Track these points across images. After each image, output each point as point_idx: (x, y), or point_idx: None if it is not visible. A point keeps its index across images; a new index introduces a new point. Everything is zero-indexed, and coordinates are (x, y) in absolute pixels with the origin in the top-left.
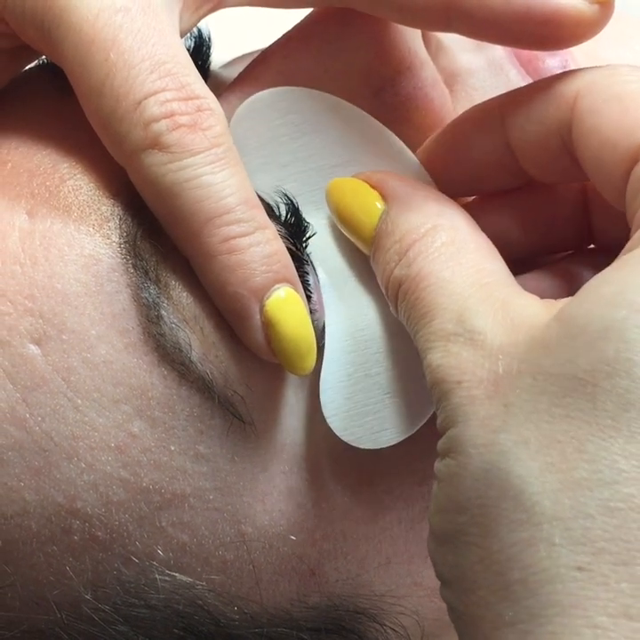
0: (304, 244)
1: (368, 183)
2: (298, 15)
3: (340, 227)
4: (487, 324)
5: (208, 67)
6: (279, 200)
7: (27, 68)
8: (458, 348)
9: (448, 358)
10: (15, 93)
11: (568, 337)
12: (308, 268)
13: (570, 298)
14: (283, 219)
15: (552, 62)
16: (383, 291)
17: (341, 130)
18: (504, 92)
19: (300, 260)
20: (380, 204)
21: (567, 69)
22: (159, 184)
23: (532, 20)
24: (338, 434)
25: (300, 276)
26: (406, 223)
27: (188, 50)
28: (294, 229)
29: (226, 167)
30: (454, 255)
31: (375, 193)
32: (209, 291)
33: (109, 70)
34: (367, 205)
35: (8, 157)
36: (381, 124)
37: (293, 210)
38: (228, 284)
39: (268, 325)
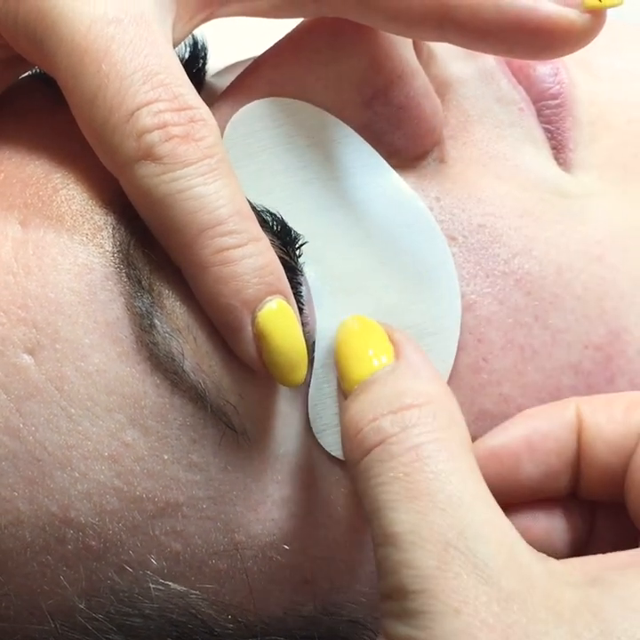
0: (297, 253)
1: (387, 333)
2: (289, 24)
3: (336, 349)
4: (493, 557)
5: (204, 75)
6: (266, 215)
7: (20, 77)
8: (458, 569)
9: (447, 575)
10: (7, 103)
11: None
12: (302, 279)
13: (594, 582)
14: (273, 228)
15: (543, 70)
16: (348, 431)
17: (333, 146)
18: (494, 100)
19: (294, 270)
20: (386, 358)
21: (558, 77)
22: (152, 195)
23: (524, 30)
24: (327, 449)
25: (292, 287)
26: (409, 384)
27: (184, 59)
28: (286, 239)
29: (218, 178)
30: (456, 448)
31: (390, 345)
32: (201, 302)
33: (102, 81)
34: (378, 347)
35: (1, 167)
36: (369, 145)
37: (279, 220)
38: (221, 295)
39: (260, 337)
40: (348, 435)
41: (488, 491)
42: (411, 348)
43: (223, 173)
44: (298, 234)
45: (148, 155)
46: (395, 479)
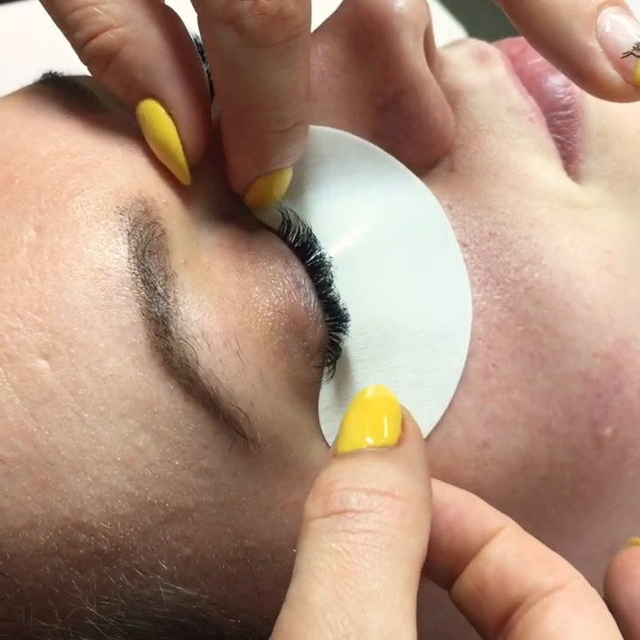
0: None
1: (402, 416)
2: None
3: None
4: None
5: None
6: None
7: (30, 83)
8: None
9: None
10: (20, 108)
11: None
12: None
13: None
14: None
15: (554, 80)
16: (320, 485)
17: (341, 160)
18: (505, 110)
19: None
20: (388, 438)
21: (569, 88)
22: (224, 57)
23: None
24: None
25: (326, 300)
26: (394, 474)
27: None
28: (315, 261)
29: (289, 63)
30: (405, 552)
31: (399, 428)
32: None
33: None
34: (388, 425)
35: (16, 173)
36: (381, 150)
37: (308, 232)
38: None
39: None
40: (318, 488)
41: (414, 606)
42: (415, 441)
43: (297, 57)
44: (326, 259)
45: (233, 22)
46: (335, 552)
